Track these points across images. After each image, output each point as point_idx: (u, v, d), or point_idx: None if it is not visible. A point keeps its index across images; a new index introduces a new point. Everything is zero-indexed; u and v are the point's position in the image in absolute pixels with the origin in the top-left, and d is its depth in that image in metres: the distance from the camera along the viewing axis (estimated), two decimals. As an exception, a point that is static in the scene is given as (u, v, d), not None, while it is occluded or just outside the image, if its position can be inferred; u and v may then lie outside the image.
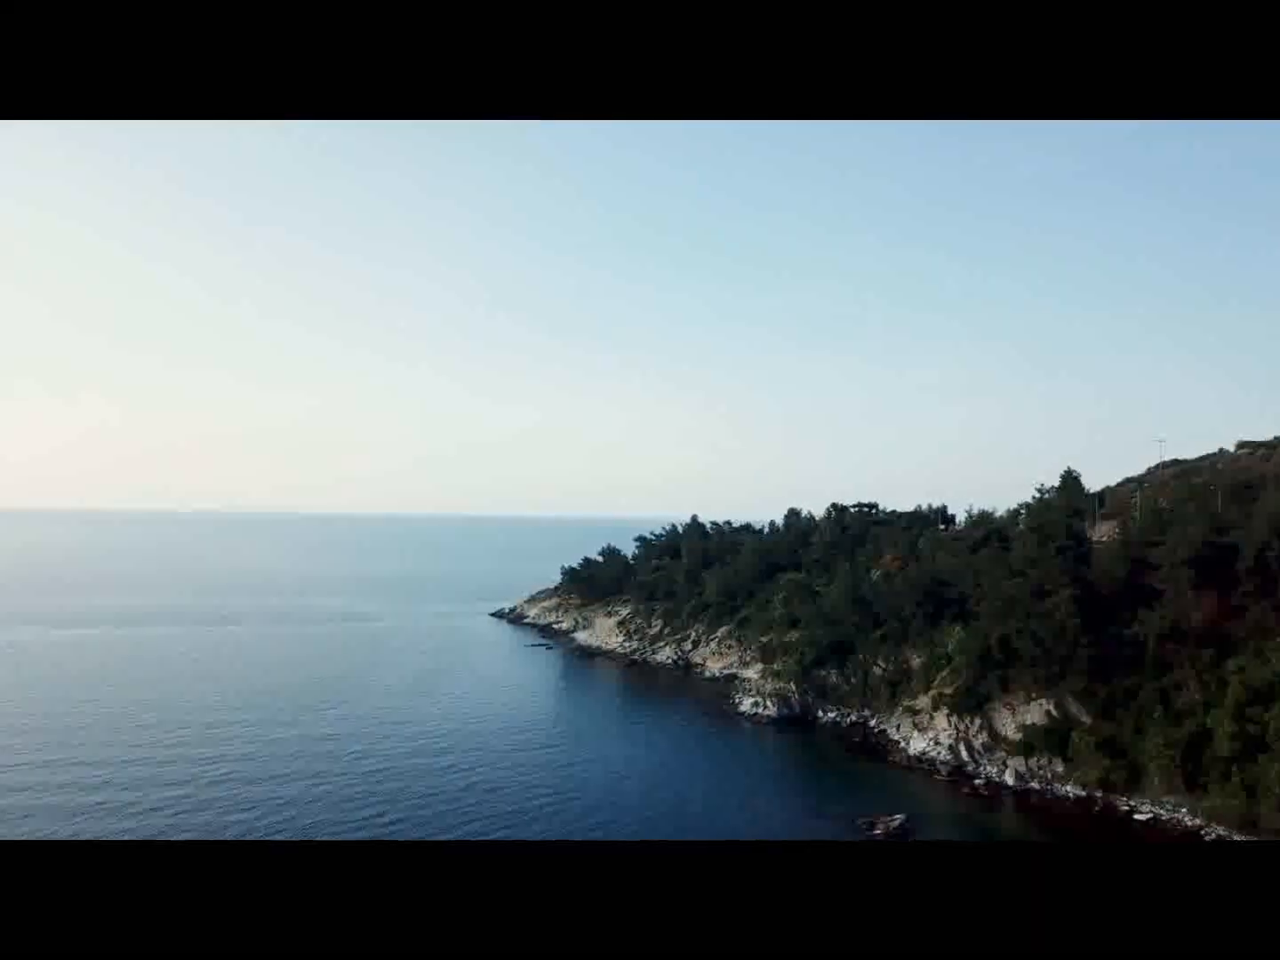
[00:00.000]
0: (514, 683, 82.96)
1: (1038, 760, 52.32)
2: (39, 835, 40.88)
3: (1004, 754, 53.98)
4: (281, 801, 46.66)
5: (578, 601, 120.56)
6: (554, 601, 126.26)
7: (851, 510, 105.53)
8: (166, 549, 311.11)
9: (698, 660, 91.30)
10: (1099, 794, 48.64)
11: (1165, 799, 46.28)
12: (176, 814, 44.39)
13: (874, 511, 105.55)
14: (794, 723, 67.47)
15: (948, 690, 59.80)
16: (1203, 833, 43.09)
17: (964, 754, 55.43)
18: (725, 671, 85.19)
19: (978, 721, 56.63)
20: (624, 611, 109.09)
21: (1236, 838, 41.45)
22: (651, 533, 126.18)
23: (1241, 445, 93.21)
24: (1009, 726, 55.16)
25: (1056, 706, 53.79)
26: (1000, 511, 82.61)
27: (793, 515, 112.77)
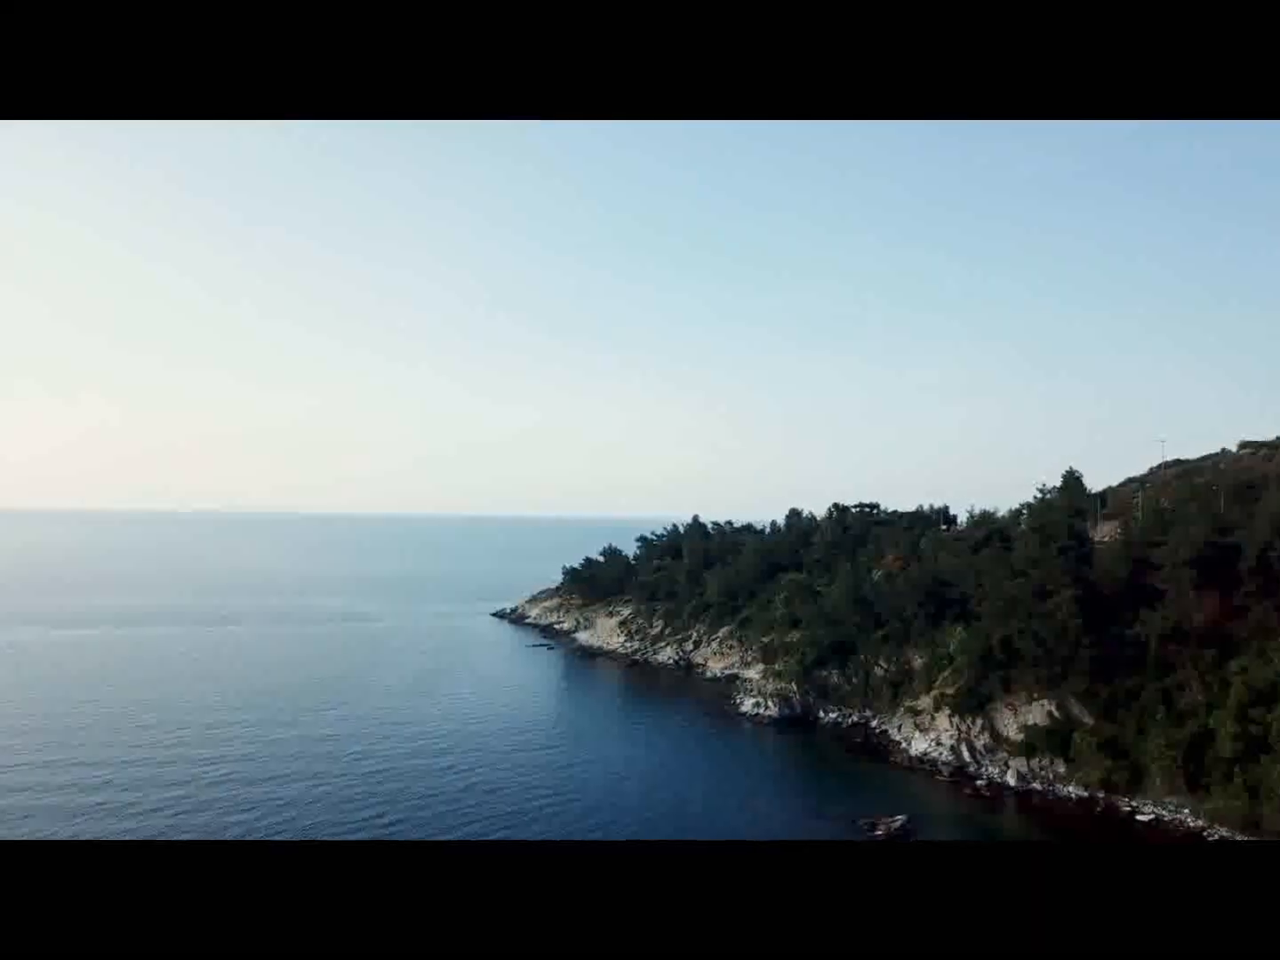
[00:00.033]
0: (515, 683, 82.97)
1: (1039, 761, 52.25)
2: (39, 836, 40.91)
3: (1006, 755, 53.92)
4: (281, 802, 46.68)
5: (579, 602, 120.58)
6: (555, 602, 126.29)
7: (853, 510, 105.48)
8: (166, 549, 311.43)
9: (699, 660, 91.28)
10: (1101, 795, 48.57)
11: (1167, 800, 46.20)
12: (177, 815, 44.42)
13: (875, 511, 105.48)
14: (795, 723, 67.43)
15: (949, 691, 59.74)
16: (1205, 834, 43.01)
17: (966, 755, 55.37)
18: (726, 672, 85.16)
19: (979, 722, 56.57)
20: (625, 612, 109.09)
21: (1239, 839, 41.36)
22: (653, 533, 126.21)
23: (1244, 445, 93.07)
24: (1011, 727, 55.10)
25: (1058, 707, 53.72)
26: (1002, 512, 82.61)
27: (794, 515, 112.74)
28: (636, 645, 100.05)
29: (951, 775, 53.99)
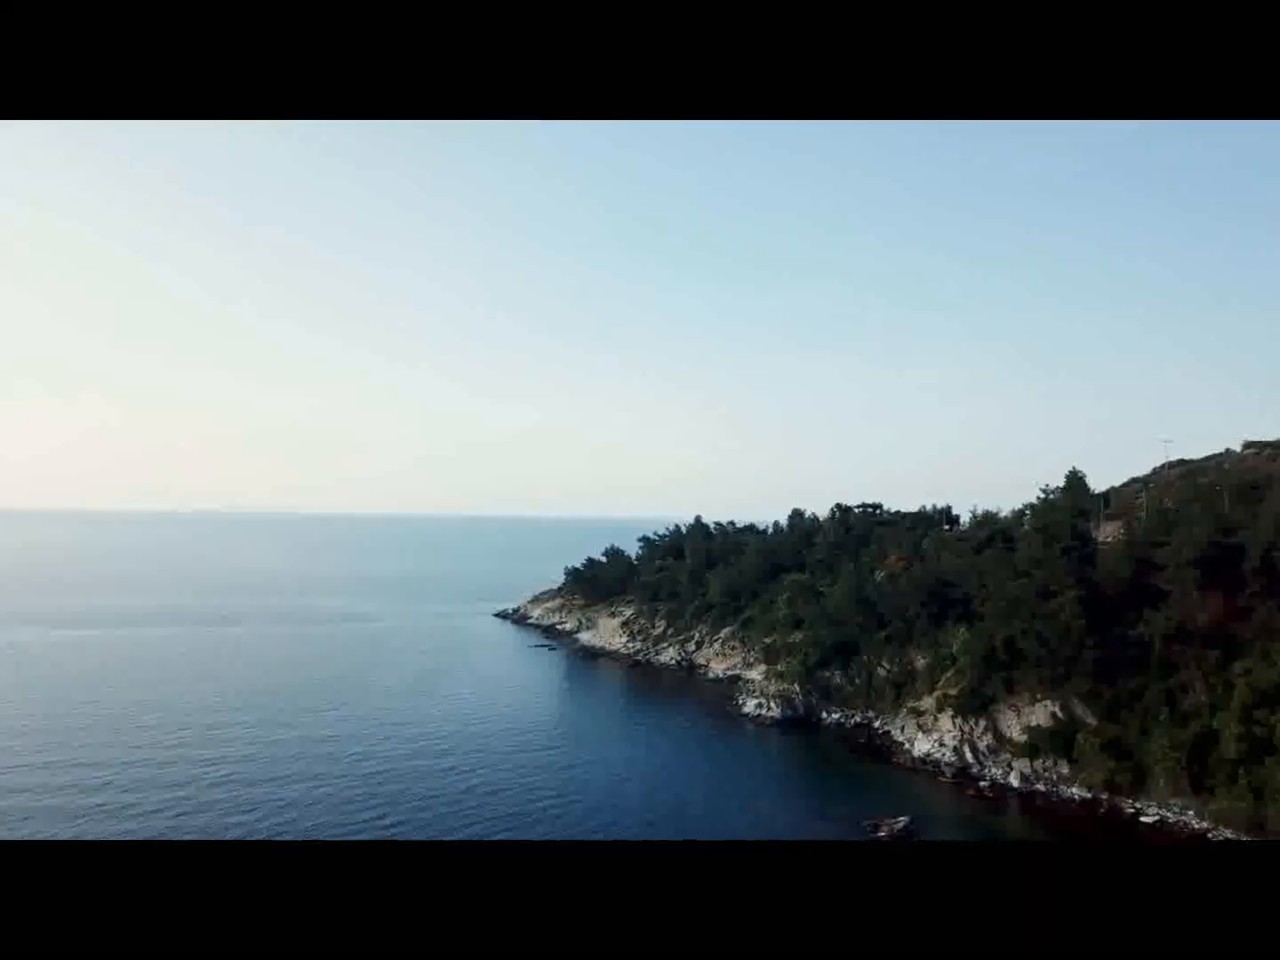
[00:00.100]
0: (516, 684, 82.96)
1: (1043, 762, 52.13)
2: (39, 836, 40.96)
3: (1009, 756, 53.79)
4: (282, 803, 46.68)
5: (581, 602, 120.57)
6: (557, 602, 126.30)
7: (855, 511, 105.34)
8: (166, 549, 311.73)
9: (701, 661, 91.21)
10: (1104, 796, 48.43)
11: (1171, 801, 46.06)
12: (177, 816, 44.40)
13: (878, 512, 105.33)
14: (798, 724, 67.34)
15: (952, 691, 59.63)
16: (1209, 835, 42.86)
17: (968, 756, 55.26)
18: (729, 672, 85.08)
19: (982, 723, 56.45)
20: (627, 612, 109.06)
21: (1243, 840, 41.21)
22: (655, 533, 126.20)
23: (1247, 445, 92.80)
24: (1014, 728, 54.98)
25: (1062, 708, 53.59)
26: (1005, 512, 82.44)
27: (796, 516, 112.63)
28: (639, 646, 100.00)
29: (954, 776, 53.88)
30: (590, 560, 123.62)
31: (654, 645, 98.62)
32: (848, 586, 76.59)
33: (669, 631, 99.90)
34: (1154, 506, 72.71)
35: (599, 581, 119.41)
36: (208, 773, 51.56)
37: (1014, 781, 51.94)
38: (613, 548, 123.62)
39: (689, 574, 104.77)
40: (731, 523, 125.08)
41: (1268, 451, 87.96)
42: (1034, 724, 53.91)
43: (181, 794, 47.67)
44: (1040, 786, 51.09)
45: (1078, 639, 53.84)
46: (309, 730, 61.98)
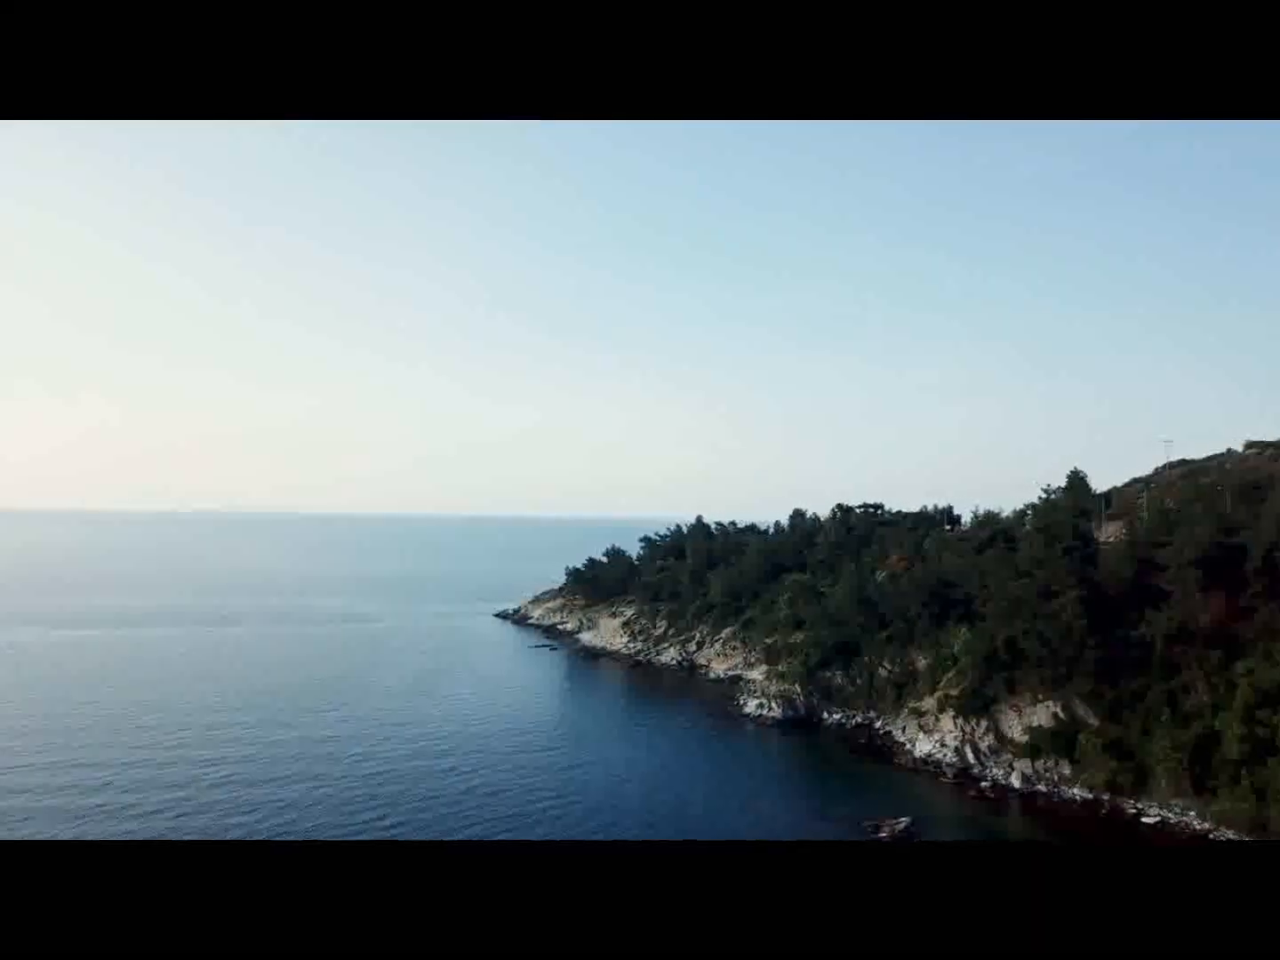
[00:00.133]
0: (517, 684, 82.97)
1: (1044, 762, 52.07)
2: (39, 836, 40.98)
3: (1010, 756, 53.74)
4: (282, 804, 46.68)
5: (582, 602, 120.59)
6: (558, 602, 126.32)
7: (856, 511, 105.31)
8: (166, 549, 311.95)
9: (702, 661, 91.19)
10: (1106, 797, 48.38)
11: (1173, 802, 46.00)
12: (177, 817, 44.39)
13: (879, 512, 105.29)
14: (799, 724, 67.31)
15: (953, 692, 59.58)
16: (1211, 836, 42.81)
17: (970, 756, 55.21)
18: (730, 673, 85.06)
19: (984, 723, 56.40)
20: (629, 612, 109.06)
21: (1246, 840, 41.14)
22: (656, 533, 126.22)
23: (1249, 445, 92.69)
24: (1015, 728, 54.92)
25: (1063, 708, 53.53)
26: (1006, 512, 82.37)
27: (798, 516, 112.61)
28: (640, 646, 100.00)
29: (956, 777, 53.83)
30: (591, 560, 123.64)
31: (655, 645, 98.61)
32: (849, 587, 76.56)
33: (670, 632, 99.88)
34: (1156, 506, 72.64)
35: (600, 582, 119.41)
36: (208, 773, 51.57)
37: (1015, 782, 51.89)
38: (614, 548, 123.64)
39: (690, 574, 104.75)
40: (733, 523, 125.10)
41: (1269, 451, 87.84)
42: (1035, 724, 53.85)
43: (181, 794, 47.69)
44: (1042, 787, 51.04)
45: (1079, 639, 53.78)
46: (309, 731, 61.99)
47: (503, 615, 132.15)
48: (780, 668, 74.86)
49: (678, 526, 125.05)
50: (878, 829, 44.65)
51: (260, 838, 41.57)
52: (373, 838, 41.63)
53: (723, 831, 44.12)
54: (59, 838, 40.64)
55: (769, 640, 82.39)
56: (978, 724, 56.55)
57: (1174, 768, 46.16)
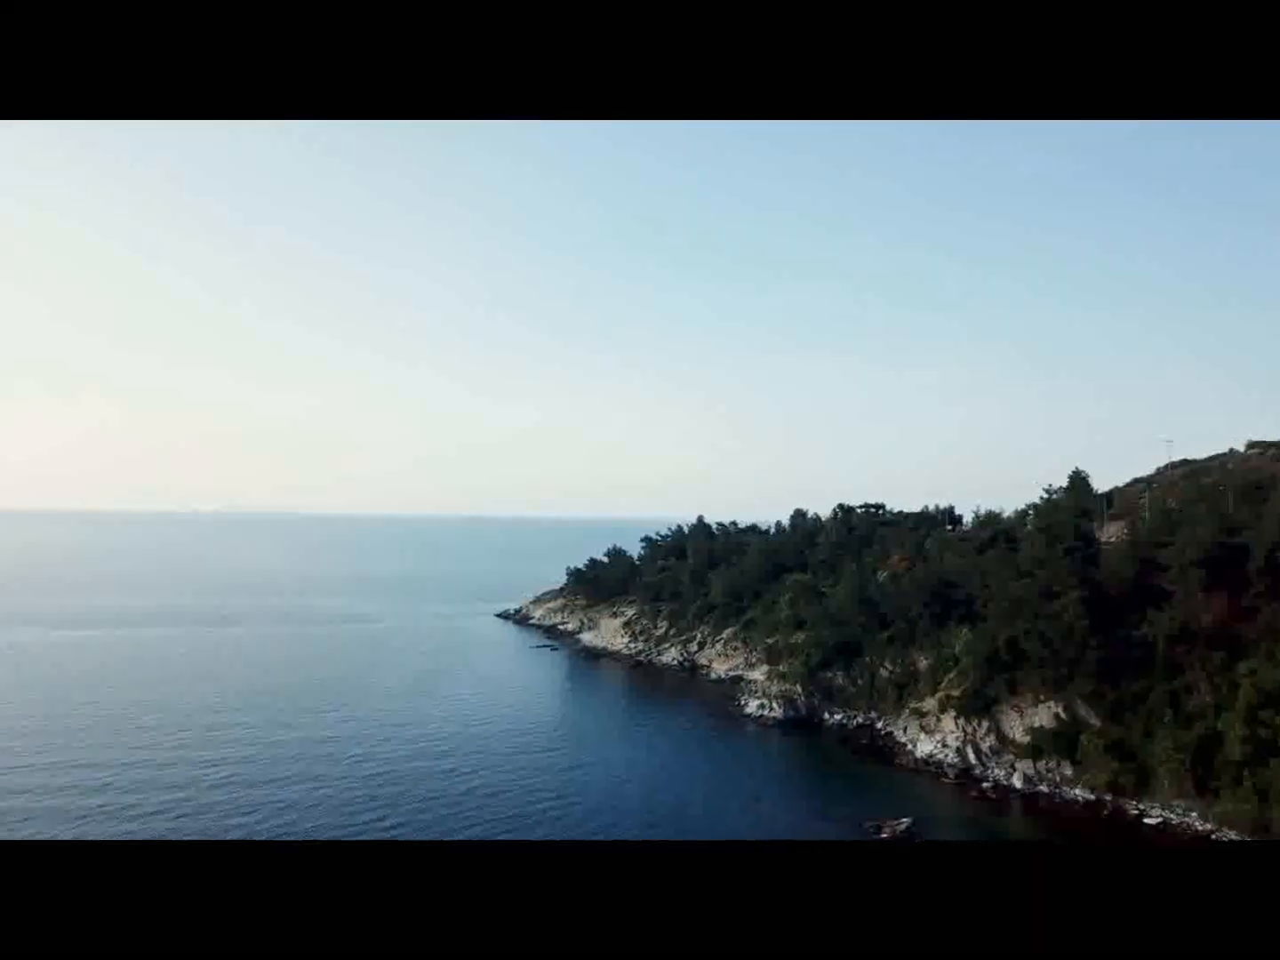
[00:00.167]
0: (518, 684, 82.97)
1: (1046, 763, 52.01)
2: (39, 837, 41.00)
3: (1012, 757, 53.68)
4: (282, 805, 46.67)
5: (583, 602, 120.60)
6: (559, 602, 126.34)
7: (858, 511, 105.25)
8: (166, 549, 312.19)
9: (703, 662, 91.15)
10: (1108, 797, 48.31)
11: (1175, 803, 45.93)
12: (178, 818, 44.38)
13: (880, 512, 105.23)
14: (800, 725, 67.27)
15: (955, 692, 59.53)
16: (1213, 837, 42.74)
17: (971, 756, 55.16)
18: (731, 673, 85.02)
19: (985, 724, 56.34)
20: (629, 613, 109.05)
21: (1248, 841, 41.06)
22: (657, 533, 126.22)
23: (1251, 445, 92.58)
24: (1017, 729, 54.86)
25: (1065, 709, 53.47)
26: (1008, 512, 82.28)
27: (799, 516, 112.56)
28: (641, 646, 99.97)
29: (957, 777, 53.78)
30: (592, 561, 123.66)
31: (656, 646, 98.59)
32: (850, 587, 76.51)
33: (671, 632, 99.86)
34: (1157, 507, 72.56)
35: (601, 582, 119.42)
36: (208, 774, 51.57)
37: (1017, 783, 51.83)
38: (615, 548, 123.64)
39: (691, 574, 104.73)
40: (734, 523, 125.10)
41: (1272, 451, 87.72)
42: (1037, 725, 53.79)
43: (182, 795, 47.69)
44: (1043, 788, 50.97)
45: (1081, 640, 53.71)
46: (309, 731, 62.00)
47: (504, 615, 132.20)
48: (781, 668, 74.82)
49: (679, 527, 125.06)
50: (879, 829, 44.61)
51: (260, 838, 41.57)
52: (373, 839, 41.62)
53: (723, 832, 44.07)
54: (59, 838, 40.64)
55: (770, 640, 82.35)
56: (979, 724, 56.49)
57: (1176, 769, 46.09)
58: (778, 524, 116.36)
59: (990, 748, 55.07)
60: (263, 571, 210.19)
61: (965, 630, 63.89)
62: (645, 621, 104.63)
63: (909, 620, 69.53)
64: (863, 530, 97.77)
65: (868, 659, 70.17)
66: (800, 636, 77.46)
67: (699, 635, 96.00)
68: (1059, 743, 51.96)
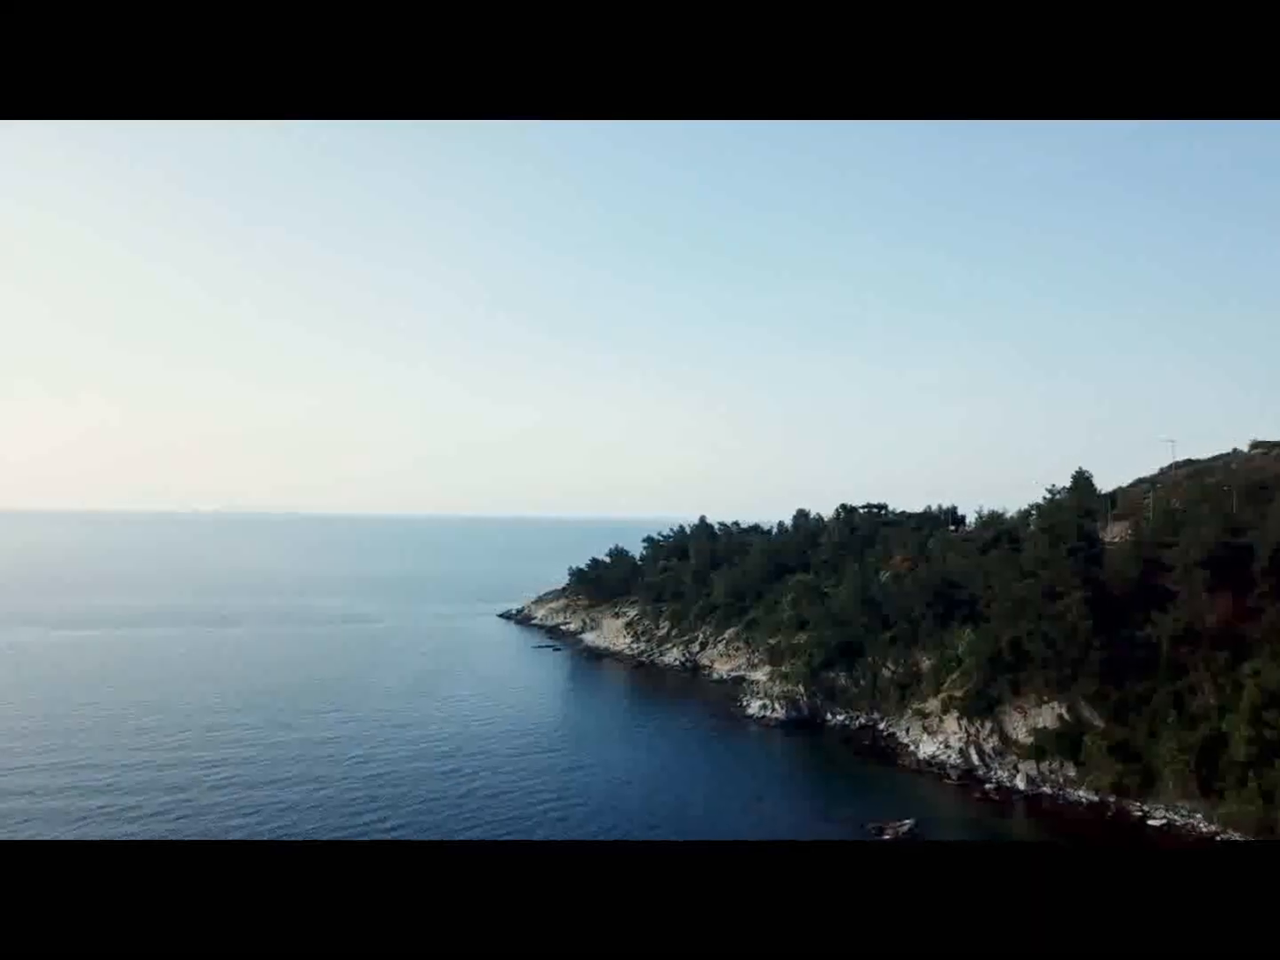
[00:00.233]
0: (520, 684, 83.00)
1: (1049, 764, 51.89)
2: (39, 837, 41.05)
3: (1015, 758, 53.57)
4: (283, 806, 46.67)
5: (585, 603, 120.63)
6: (561, 603, 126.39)
7: (860, 511, 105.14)
8: (166, 549, 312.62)
9: (705, 662, 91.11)
10: (1112, 799, 48.20)
11: (1180, 804, 45.81)
12: (178, 819, 44.37)
13: (883, 512, 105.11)
14: (802, 725, 67.20)
15: (958, 693, 59.43)
16: (1218, 839, 42.61)
17: (974, 758, 55.05)
18: (733, 674, 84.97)
19: (988, 725, 56.24)
20: (632, 613, 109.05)
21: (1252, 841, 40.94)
22: (659, 533, 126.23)
23: (1255, 445, 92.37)
24: (1020, 730, 54.75)
25: (1068, 710, 53.35)
26: (1011, 512, 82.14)
27: (801, 516, 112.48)
28: (643, 647, 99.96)
29: (960, 778, 53.69)
30: (594, 561, 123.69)
31: (658, 646, 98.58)
32: (853, 587, 76.43)
33: (673, 632, 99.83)
34: (1161, 507, 72.43)
35: (603, 582, 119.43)
36: (208, 775, 51.58)
37: (1020, 784, 51.72)
38: (617, 548, 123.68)
39: (693, 574, 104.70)
40: (736, 523, 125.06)
41: (1275, 451, 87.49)
42: (1040, 726, 53.67)
43: (182, 796, 47.69)
44: (1047, 789, 50.87)
45: (1084, 640, 53.60)
46: (310, 732, 62.02)
47: (506, 615, 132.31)
48: (783, 668, 74.75)
49: (681, 527, 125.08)
50: (881, 831, 44.54)
51: (261, 838, 41.61)
52: (373, 838, 41.64)
53: (725, 833, 44.03)
54: (59, 838, 40.69)
55: (772, 641, 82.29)
56: (982, 725, 56.39)
57: (1181, 770, 45.97)
58: (780, 524, 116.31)
59: (993, 749, 54.96)
60: (263, 571, 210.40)
61: (968, 631, 63.79)
62: (647, 622, 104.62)
63: (912, 621, 69.42)
64: (865, 530, 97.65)
65: (870, 659, 70.07)
66: (802, 637, 77.38)
67: (701, 636, 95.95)
68: (1062, 744, 51.84)
